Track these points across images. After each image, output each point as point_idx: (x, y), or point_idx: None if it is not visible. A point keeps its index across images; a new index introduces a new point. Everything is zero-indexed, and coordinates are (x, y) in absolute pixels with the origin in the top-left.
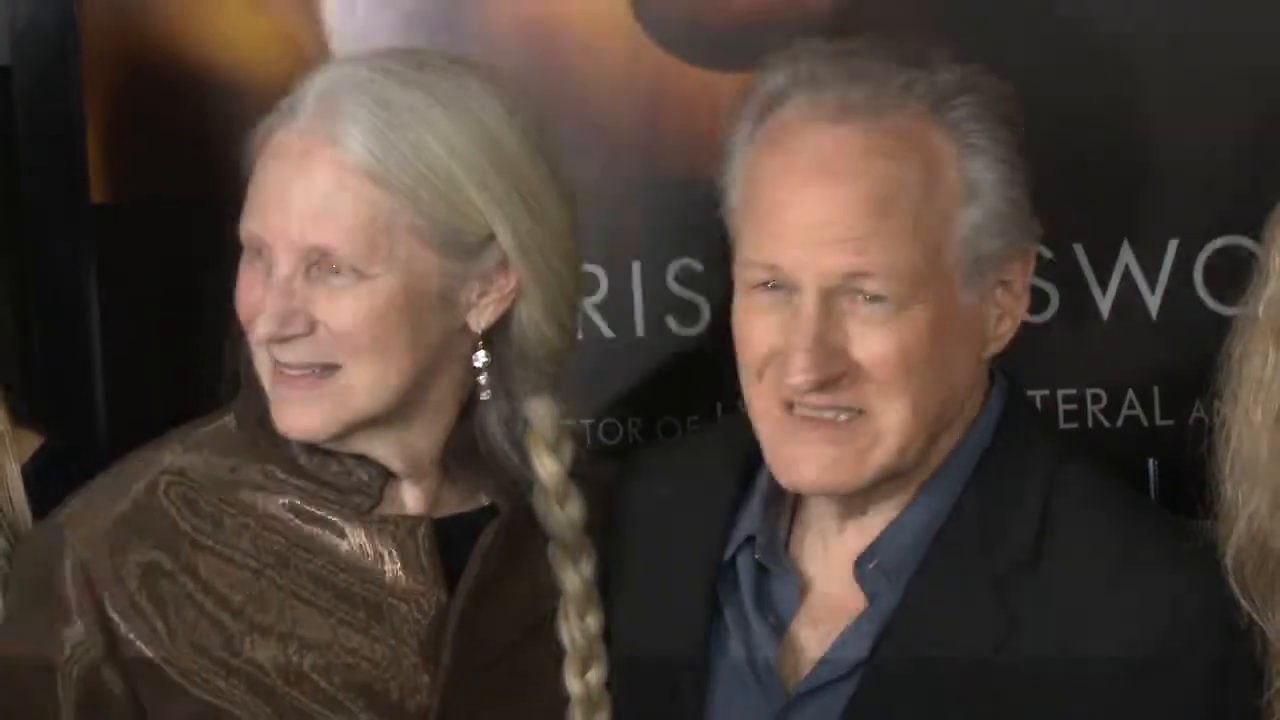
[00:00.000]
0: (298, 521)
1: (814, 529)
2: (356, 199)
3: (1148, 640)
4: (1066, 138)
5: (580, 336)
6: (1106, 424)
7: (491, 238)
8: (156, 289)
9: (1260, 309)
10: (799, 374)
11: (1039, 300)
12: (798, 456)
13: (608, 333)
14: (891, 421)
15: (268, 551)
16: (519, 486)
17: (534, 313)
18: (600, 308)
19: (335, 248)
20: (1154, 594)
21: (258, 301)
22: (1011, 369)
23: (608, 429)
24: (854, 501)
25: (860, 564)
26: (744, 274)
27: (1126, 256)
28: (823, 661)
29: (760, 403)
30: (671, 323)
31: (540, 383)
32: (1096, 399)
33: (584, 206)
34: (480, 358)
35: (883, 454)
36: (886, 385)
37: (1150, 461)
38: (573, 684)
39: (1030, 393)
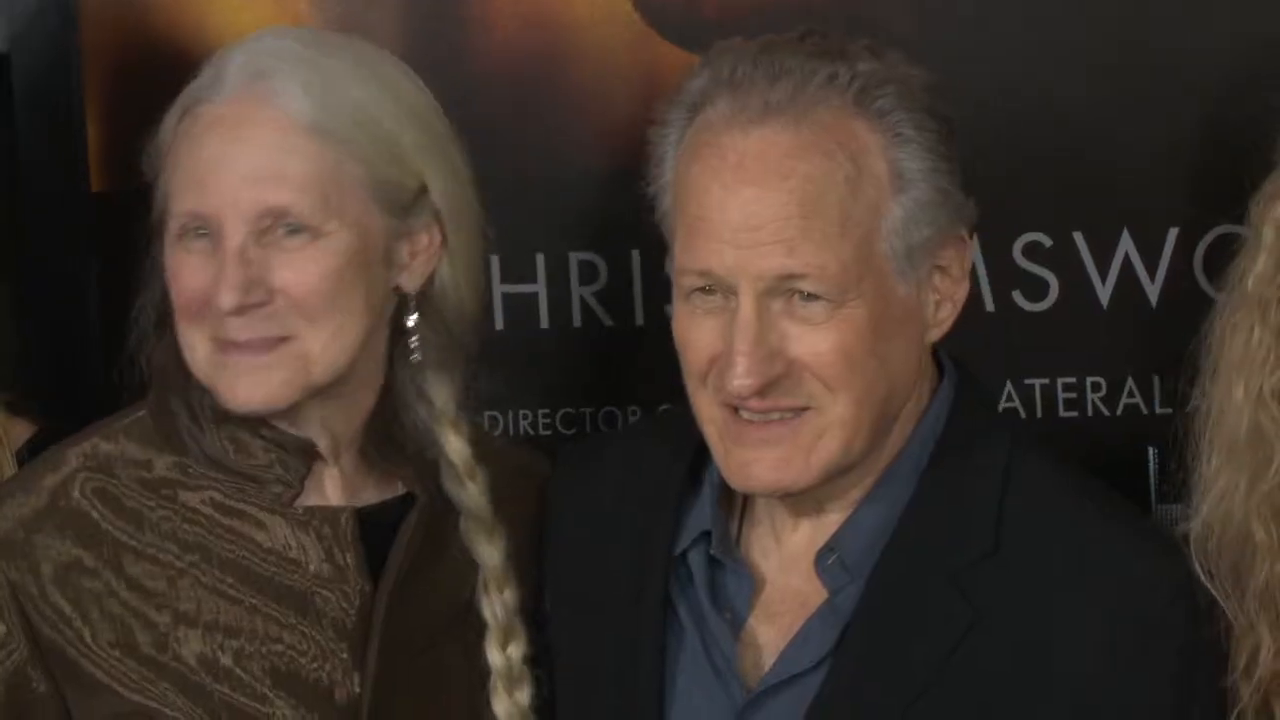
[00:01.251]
0: (218, 515)
1: (765, 524)
2: (304, 155)
3: (1114, 626)
4: (1065, 126)
5: (579, 325)
6: (1106, 412)
7: (423, 191)
8: None
9: (1250, 284)
10: (740, 379)
11: (1039, 288)
12: (747, 460)
13: (607, 321)
14: (836, 416)
15: (190, 546)
16: (433, 472)
17: (455, 274)
18: (600, 296)
19: (290, 206)
20: (1118, 579)
21: (203, 282)
22: (959, 355)
23: (607, 417)
24: (806, 496)
25: (820, 558)
26: (679, 280)
27: (1126, 245)
28: (783, 656)
29: (705, 407)
30: (670, 311)
31: (447, 356)
32: (1096, 387)
33: (583, 195)
34: (413, 318)
35: (829, 449)
36: (829, 382)
37: (1150, 449)
38: (494, 657)
39: (1029, 381)
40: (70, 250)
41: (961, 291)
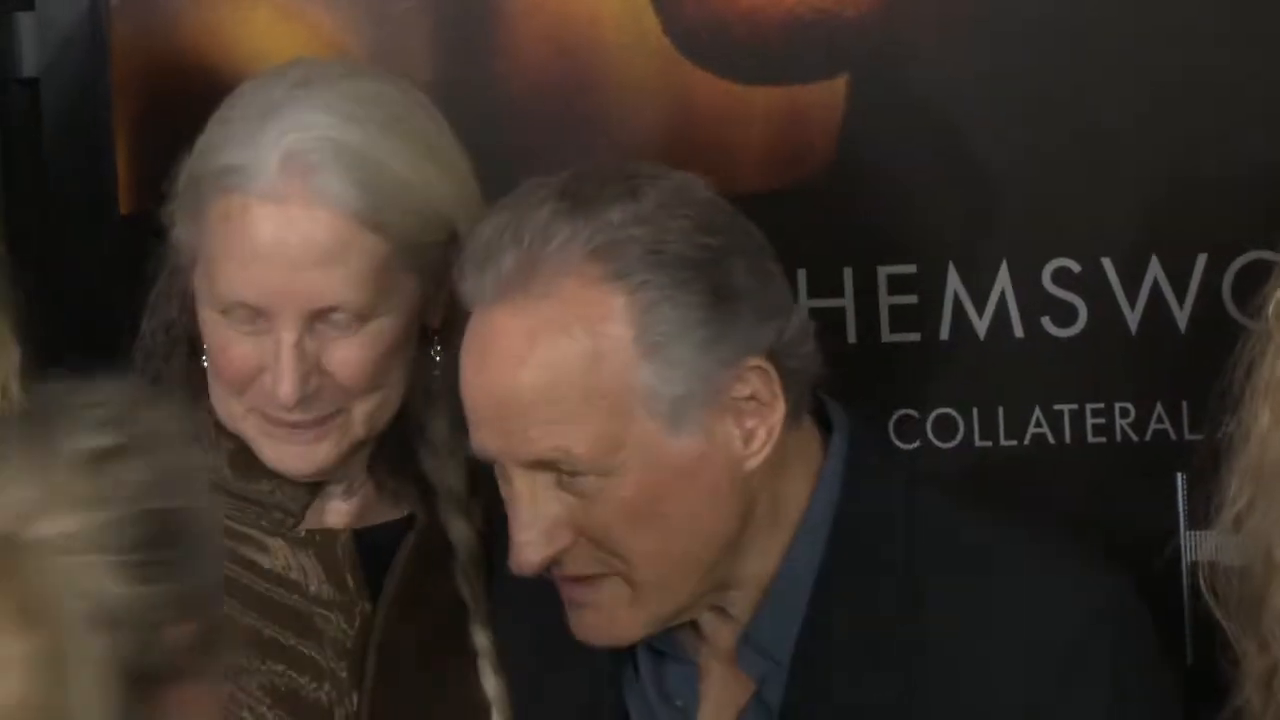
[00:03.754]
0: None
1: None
2: (359, 251)
3: (1035, 659)
4: (1094, 151)
5: None
6: (1135, 438)
7: (453, 239)
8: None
9: (1272, 310)
10: (524, 550)
11: (1067, 314)
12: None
13: None
14: (643, 586)
15: None
16: (436, 495)
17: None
18: None
19: (345, 303)
20: (1032, 612)
21: (253, 363)
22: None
23: None
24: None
25: (740, 651)
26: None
27: (1155, 270)
28: None
29: None
30: None
31: (451, 383)
32: (1125, 413)
33: None
34: (438, 353)
35: (651, 608)
36: (629, 557)
37: (1179, 476)
38: (488, 684)
39: (1058, 407)
40: (100, 274)
41: (775, 414)
